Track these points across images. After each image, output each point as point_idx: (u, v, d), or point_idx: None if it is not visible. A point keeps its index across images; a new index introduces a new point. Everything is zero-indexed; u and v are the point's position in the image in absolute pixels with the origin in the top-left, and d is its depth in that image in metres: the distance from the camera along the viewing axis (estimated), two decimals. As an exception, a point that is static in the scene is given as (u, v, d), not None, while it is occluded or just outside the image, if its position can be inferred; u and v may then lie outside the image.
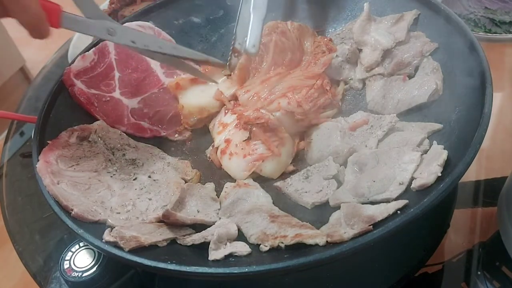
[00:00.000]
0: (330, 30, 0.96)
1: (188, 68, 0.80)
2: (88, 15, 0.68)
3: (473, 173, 0.82)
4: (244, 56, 0.84)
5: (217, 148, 0.81)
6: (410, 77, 0.80)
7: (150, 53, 0.73)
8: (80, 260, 0.67)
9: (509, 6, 1.14)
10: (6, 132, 1.13)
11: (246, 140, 0.77)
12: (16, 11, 0.60)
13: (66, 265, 0.66)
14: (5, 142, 1.10)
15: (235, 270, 0.53)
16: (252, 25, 0.80)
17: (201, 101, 0.87)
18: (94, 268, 0.66)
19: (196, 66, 0.82)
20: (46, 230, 0.87)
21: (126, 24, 0.91)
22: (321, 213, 0.67)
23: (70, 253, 0.67)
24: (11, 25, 0.59)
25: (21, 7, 0.59)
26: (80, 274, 0.65)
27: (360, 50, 0.87)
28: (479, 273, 0.70)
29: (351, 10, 0.94)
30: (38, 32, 0.63)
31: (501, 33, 1.09)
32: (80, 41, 1.19)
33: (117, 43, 0.71)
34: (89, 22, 0.68)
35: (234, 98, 0.85)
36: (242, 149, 0.77)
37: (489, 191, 0.79)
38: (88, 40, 1.03)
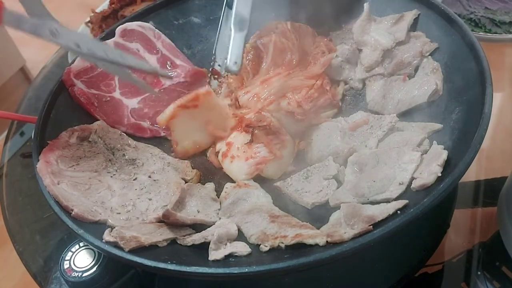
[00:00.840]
0: (329, 29, 0.96)
1: (132, 79, 0.76)
2: (31, 13, 0.63)
3: (473, 173, 0.82)
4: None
5: (218, 151, 0.81)
6: (410, 77, 0.80)
7: (94, 60, 0.68)
8: (80, 260, 0.67)
9: (509, 6, 1.14)
10: (6, 132, 1.13)
11: (248, 143, 0.77)
12: None
13: (66, 265, 0.66)
14: (5, 142, 1.10)
15: (235, 270, 0.53)
16: (233, 41, 0.76)
17: (196, 136, 0.82)
18: (94, 268, 0.66)
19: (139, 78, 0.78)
20: (46, 230, 0.87)
21: (126, 24, 0.91)
22: (321, 213, 0.67)
23: (70, 253, 0.67)
24: None
25: None
26: (80, 274, 0.65)
27: (360, 50, 0.87)
28: (479, 273, 0.70)
29: (351, 10, 0.93)
30: None
31: (501, 33, 1.09)
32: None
33: (59, 44, 0.65)
34: (32, 21, 0.63)
35: (234, 99, 0.85)
36: (244, 152, 0.76)
37: (489, 191, 0.79)
38: (88, 40, 1.03)
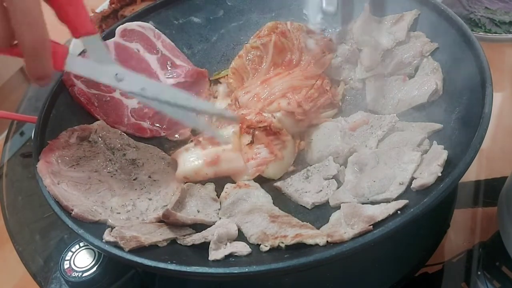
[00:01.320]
0: (330, 30, 0.96)
1: (199, 124, 0.73)
2: (94, 58, 0.62)
3: (473, 173, 0.82)
4: (236, 58, 0.84)
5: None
6: (410, 77, 0.80)
7: (159, 104, 0.64)
8: (80, 260, 0.66)
9: (509, 6, 1.14)
10: (6, 132, 1.13)
11: (248, 144, 0.77)
12: (20, 23, 0.52)
13: (66, 265, 0.66)
14: (5, 142, 1.10)
15: (235, 270, 0.53)
16: None
17: (198, 164, 0.76)
18: (94, 268, 0.65)
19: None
20: (46, 230, 0.87)
21: (126, 24, 0.91)
22: (321, 213, 0.67)
23: (70, 253, 0.67)
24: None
25: (27, 22, 0.52)
26: (80, 274, 0.65)
27: (360, 50, 0.86)
28: (479, 273, 0.70)
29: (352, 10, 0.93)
30: (39, 65, 0.56)
31: (501, 33, 1.09)
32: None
33: (124, 90, 0.63)
34: (96, 66, 0.62)
35: (234, 99, 0.85)
36: (245, 153, 0.76)
37: (489, 191, 0.79)
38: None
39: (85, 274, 0.65)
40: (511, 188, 0.68)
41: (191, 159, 0.76)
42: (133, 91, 0.63)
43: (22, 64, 1.91)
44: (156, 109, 0.67)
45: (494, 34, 1.09)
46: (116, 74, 0.62)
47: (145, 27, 0.93)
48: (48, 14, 0.58)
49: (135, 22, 0.93)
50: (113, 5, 1.23)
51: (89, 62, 0.62)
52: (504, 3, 1.15)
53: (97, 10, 1.25)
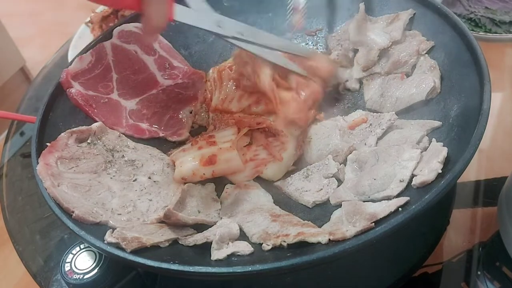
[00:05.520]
0: (327, 30, 0.96)
1: (288, 64, 0.78)
2: (195, 8, 0.68)
3: (473, 173, 0.82)
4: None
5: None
6: (408, 75, 0.80)
7: (257, 47, 0.72)
8: (81, 262, 0.66)
9: (509, 6, 1.14)
10: (6, 132, 1.13)
11: (247, 145, 0.77)
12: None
13: (67, 267, 0.66)
14: (5, 142, 1.09)
15: (238, 269, 0.52)
16: None
17: (195, 164, 0.76)
18: (96, 270, 0.65)
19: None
20: (46, 230, 0.87)
21: (123, 25, 0.91)
22: (321, 212, 0.67)
23: (71, 255, 0.67)
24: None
25: None
26: (81, 276, 0.65)
27: (356, 50, 0.87)
28: (479, 273, 0.70)
29: (347, 10, 0.93)
30: (160, 13, 0.62)
31: (501, 33, 1.09)
32: (80, 41, 1.19)
33: (223, 35, 0.70)
34: (200, 15, 0.68)
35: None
36: (243, 154, 0.76)
37: (489, 191, 0.79)
38: (88, 40, 1.03)
39: (86, 276, 0.65)
40: (511, 188, 0.68)
41: (188, 160, 0.75)
42: (234, 35, 0.70)
43: (22, 64, 1.92)
44: (251, 51, 0.73)
45: (494, 34, 1.09)
46: (217, 21, 0.69)
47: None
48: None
49: (132, 23, 0.93)
50: (113, 5, 1.23)
51: (192, 12, 0.68)
52: (504, 2, 1.15)
53: (97, 10, 1.25)
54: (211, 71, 0.87)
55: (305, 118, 0.78)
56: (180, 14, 0.65)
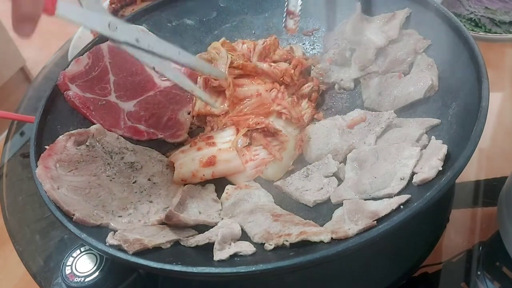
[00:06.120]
0: (323, 29, 0.97)
1: (185, 83, 0.72)
2: (87, 7, 0.60)
3: (473, 173, 0.82)
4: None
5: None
6: (405, 74, 0.80)
7: (152, 56, 0.65)
8: (82, 265, 0.66)
9: (509, 6, 1.14)
10: (6, 132, 1.12)
11: (246, 146, 0.77)
12: None
13: (68, 270, 0.65)
14: (5, 142, 1.09)
15: (242, 269, 0.52)
16: None
17: (194, 166, 0.76)
18: (97, 273, 0.65)
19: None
20: (46, 230, 0.86)
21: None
22: (322, 211, 0.67)
23: (71, 259, 0.67)
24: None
25: None
26: (82, 279, 0.64)
27: (353, 50, 0.87)
28: (479, 273, 0.70)
29: (344, 10, 0.94)
30: (29, 15, 0.52)
31: (501, 33, 1.09)
32: (80, 41, 1.19)
33: (118, 40, 0.63)
34: (89, 14, 0.60)
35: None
36: (243, 155, 0.76)
37: (489, 191, 0.79)
38: (88, 40, 1.03)
39: (87, 279, 0.64)
40: (511, 188, 0.68)
41: (187, 161, 0.76)
42: (128, 41, 0.62)
43: (22, 64, 1.92)
44: (142, 61, 0.66)
45: (494, 34, 1.09)
46: (109, 23, 0.61)
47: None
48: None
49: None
50: (113, 5, 1.23)
51: (82, 10, 0.60)
52: (504, 2, 1.15)
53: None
54: (198, 78, 0.87)
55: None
56: (65, 9, 0.57)
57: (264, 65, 0.83)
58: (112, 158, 0.76)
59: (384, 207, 0.57)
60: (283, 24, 0.83)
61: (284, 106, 0.79)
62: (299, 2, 0.81)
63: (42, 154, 0.70)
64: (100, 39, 0.90)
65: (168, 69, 0.69)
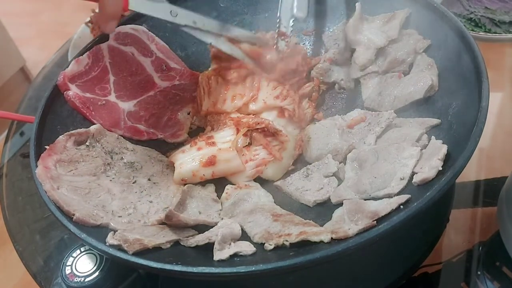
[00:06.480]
0: (323, 30, 0.96)
1: (238, 54, 0.83)
2: (152, 0, 0.74)
3: (473, 173, 0.82)
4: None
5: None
6: (405, 74, 0.80)
7: (210, 35, 0.80)
8: (82, 265, 0.66)
9: (509, 6, 1.14)
10: (6, 132, 1.12)
11: (246, 146, 0.77)
12: None
13: (67, 270, 0.66)
14: (5, 142, 1.09)
15: (242, 269, 0.52)
16: None
17: (194, 166, 0.76)
18: (97, 273, 0.65)
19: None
20: (46, 230, 0.86)
21: (120, 27, 0.91)
22: (322, 211, 0.67)
23: (71, 259, 0.67)
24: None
25: None
26: (82, 279, 0.64)
27: (353, 50, 0.87)
28: (479, 273, 0.70)
29: (343, 10, 0.94)
30: (114, 4, 0.68)
31: (501, 33, 1.09)
32: (80, 41, 1.19)
33: (180, 24, 0.77)
34: (154, 5, 0.74)
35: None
36: (243, 155, 0.77)
37: (489, 191, 0.79)
38: (88, 40, 1.03)
39: (87, 279, 0.64)
40: (511, 188, 0.68)
41: (187, 161, 0.76)
42: (187, 24, 0.78)
43: (22, 64, 1.92)
44: (200, 38, 0.81)
45: (494, 34, 1.09)
46: (171, 11, 0.76)
47: (139, 30, 0.92)
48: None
49: (128, 25, 0.93)
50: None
51: (148, 2, 0.74)
52: (504, 2, 1.15)
53: (97, 10, 1.25)
54: (200, 77, 0.87)
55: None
56: (135, 3, 0.72)
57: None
58: (112, 158, 0.76)
59: (384, 207, 0.57)
60: (274, 46, 0.85)
61: (293, 100, 0.81)
62: (291, 23, 0.84)
63: (42, 154, 0.70)
64: (100, 39, 0.90)
65: (222, 43, 0.82)
